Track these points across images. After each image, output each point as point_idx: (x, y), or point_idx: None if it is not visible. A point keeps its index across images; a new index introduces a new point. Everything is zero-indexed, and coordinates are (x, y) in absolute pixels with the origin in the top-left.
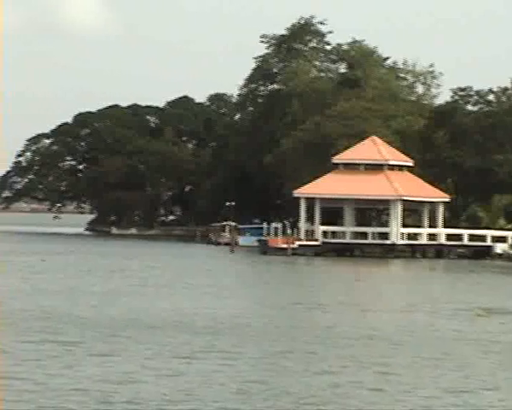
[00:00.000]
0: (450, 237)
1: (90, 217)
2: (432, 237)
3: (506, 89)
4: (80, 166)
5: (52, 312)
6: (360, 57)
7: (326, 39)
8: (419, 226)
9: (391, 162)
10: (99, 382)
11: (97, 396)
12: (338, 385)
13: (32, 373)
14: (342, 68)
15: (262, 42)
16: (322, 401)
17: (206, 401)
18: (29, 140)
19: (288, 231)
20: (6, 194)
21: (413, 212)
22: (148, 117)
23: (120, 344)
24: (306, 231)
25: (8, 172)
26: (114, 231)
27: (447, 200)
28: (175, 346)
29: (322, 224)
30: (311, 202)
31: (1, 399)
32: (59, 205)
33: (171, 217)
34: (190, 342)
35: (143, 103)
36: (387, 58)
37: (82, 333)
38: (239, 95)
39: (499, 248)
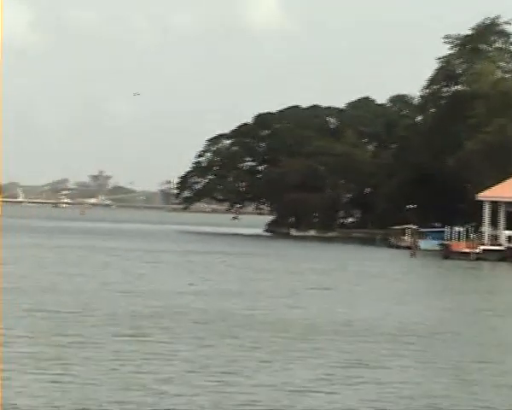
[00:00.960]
0: None
1: (269, 218)
2: None
3: None
4: (260, 167)
5: (230, 312)
6: None
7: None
8: None
9: None
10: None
11: None
12: None
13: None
14: None
15: (445, 42)
16: None
17: None
18: (209, 140)
19: (471, 236)
20: (186, 194)
21: None
22: (328, 118)
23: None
24: (490, 236)
25: (189, 172)
26: (293, 232)
27: None
28: (375, 353)
29: (507, 228)
30: (494, 205)
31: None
32: (238, 206)
33: (350, 219)
34: (377, 350)
35: (324, 104)
36: None
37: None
38: (421, 96)
39: None
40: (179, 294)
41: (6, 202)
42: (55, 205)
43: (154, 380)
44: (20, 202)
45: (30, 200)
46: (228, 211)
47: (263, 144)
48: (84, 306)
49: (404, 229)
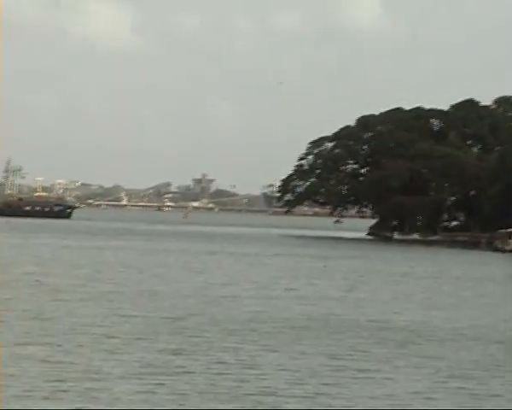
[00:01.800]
0: None
1: (372, 221)
2: None
3: None
4: (362, 170)
5: (333, 318)
6: None
7: None
8: None
9: None
10: None
11: None
12: None
13: None
14: None
15: None
16: None
17: None
18: (312, 143)
19: None
20: (288, 197)
21: None
22: (431, 120)
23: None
24: None
25: (291, 175)
26: (396, 236)
27: None
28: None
29: None
30: None
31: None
32: (340, 209)
33: (454, 222)
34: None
35: (427, 106)
36: None
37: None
38: None
39: None
40: (277, 298)
41: (110, 205)
42: (159, 208)
43: (256, 389)
44: (124, 205)
45: (133, 203)
46: (330, 214)
47: (365, 147)
48: (187, 311)
49: (510, 233)
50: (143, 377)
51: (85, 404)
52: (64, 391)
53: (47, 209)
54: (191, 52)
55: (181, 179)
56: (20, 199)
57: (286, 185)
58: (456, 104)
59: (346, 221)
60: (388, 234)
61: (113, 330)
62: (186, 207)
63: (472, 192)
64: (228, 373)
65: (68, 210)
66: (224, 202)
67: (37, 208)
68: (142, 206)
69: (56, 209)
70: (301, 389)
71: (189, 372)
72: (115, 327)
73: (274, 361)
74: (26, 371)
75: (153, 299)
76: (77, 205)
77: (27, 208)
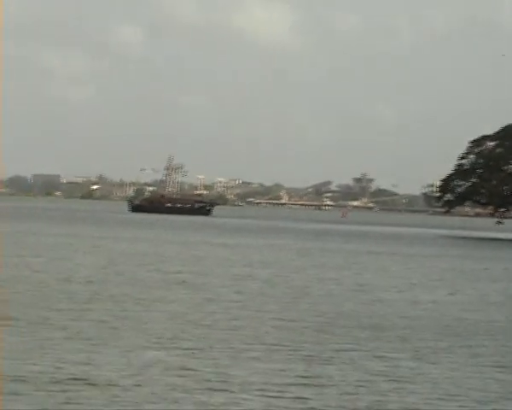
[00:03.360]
0: None
1: None
2: None
3: None
4: None
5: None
6: None
7: None
8: None
9: None
10: None
11: None
12: None
13: None
14: None
15: None
16: None
17: None
18: (472, 142)
19: None
20: (448, 197)
21: None
22: None
23: None
24: None
25: (451, 175)
26: None
27: None
28: None
29: None
30: None
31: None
32: (502, 210)
33: None
34: None
35: None
36: None
37: None
38: None
39: None
40: (437, 303)
41: (270, 203)
42: (318, 207)
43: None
44: (284, 203)
45: (293, 202)
46: (491, 215)
47: None
48: (341, 314)
49: None
50: (284, 390)
51: None
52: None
53: (188, 206)
54: (344, 50)
55: (341, 178)
56: (162, 196)
57: (446, 185)
58: None
59: (509, 222)
60: None
61: (257, 335)
62: (345, 206)
63: None
64: (372, 385)
65: (208, 207)
66: (384, 201)
67: (179, 205)
68: (302, 204)
69: (197, 206)
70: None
71: (331, 385)
72: (259, 331)
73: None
74: (153, 379)
75: (304, 301)
76: (217, 202)
77: (169, 205)
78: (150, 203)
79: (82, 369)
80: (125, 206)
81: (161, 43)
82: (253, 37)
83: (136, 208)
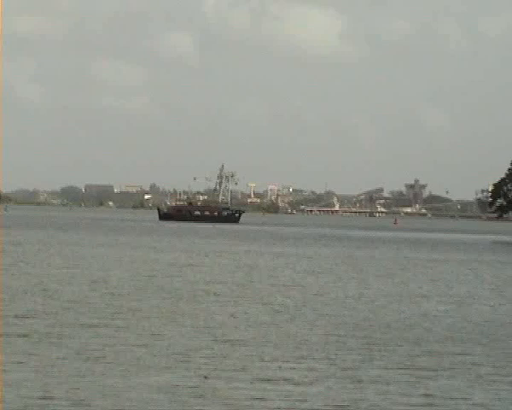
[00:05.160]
0: None
1: None
2: None
3: None
4: None
5: None
6: None
7: None
8: None
9: None
10: None
11: None
12: None
13: None
14: None
15: None
16: None
17: None
18: None
19: None
20: (501, 202)
21: None
22: None
23: None
24: None
25: (503, 179)
26: None
27: None
28: None
29: None
30: None
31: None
32: None
33: None
34: None
35: None
36: None
37: None
38: None
39: None
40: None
41: (322, 211)
42: (370, 214)
43: None
44: (336, 211)
45: (345, 209)
46: None
47: None
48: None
49: None
50: None
51: None
52: None
53: (215, 214)
54: (400, 58)
55: (393, 185)
56: (190, 204)
57: (498, 190)
58: None
59: None
60: None
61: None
62: (396, 213)
63: None
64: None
65: (236, 214)
66: (437, 207)
67: (206, 213)
68: (354, 212)
69: (225, 214)
70: None
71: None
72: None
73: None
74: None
75: (354, 308)
76: (243, 209)
77: (197, 213)
78: (178, 211)
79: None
80: None
81: (215, 52)
82: (302, 44)
83: (164, 216)
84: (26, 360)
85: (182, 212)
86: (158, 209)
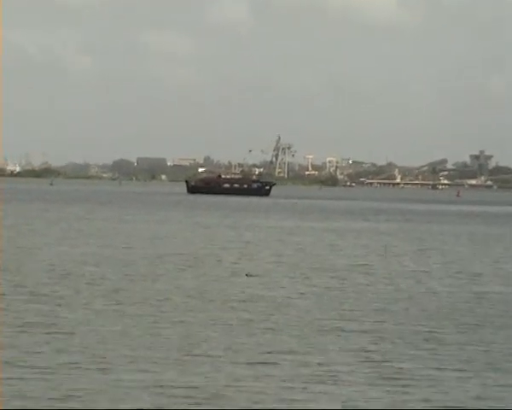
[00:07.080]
0: None
1: None
2: None
3: None
4: None
5: None
6: None
7: None
8: None
9: None
10: None
11: None
12: None
13: None
14: None
15: None
16: None
17: None
18: None
19: None
20: None
21: None
22: None
23: None
24: None
25: None
26: None
27: None
28: None
29: None
30: None
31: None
32: None
33: None
34: None
35: None
36: None
37: None
38: None
39: None
40: None
41: (383, 183)
42: (433, 186)
43: None
44: (397, 183)
45: (407, 181)
46: None
47: None
48: None
49: None
50: None
51: None
52: None
53: (245, 186)
54: (460, 26)
55: (457, 156)
56: (219, 176)
57: None
58: None
59: None
60: None
61: None
62: (460, 185)
63: None
64: None
65: (267, 187)
66: (504, 179)
67: (236, 186)
68: (416, 184)
69: (255, 186)
70: None
71: None
72: None
73: None
74: None
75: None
76: (274, 182)
77: (226, 186)
78: (207, 184)
79: None
80: None
81: (268, 18)
82: (361, 15)
83: (192, 189)
84: None
85: (210, 184)
86: (186, 182)
